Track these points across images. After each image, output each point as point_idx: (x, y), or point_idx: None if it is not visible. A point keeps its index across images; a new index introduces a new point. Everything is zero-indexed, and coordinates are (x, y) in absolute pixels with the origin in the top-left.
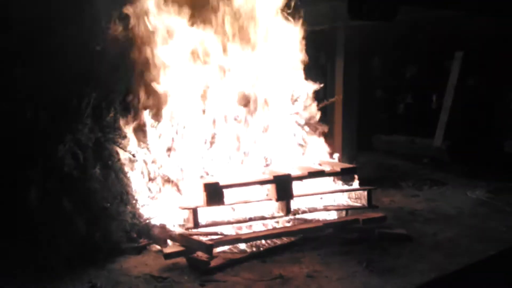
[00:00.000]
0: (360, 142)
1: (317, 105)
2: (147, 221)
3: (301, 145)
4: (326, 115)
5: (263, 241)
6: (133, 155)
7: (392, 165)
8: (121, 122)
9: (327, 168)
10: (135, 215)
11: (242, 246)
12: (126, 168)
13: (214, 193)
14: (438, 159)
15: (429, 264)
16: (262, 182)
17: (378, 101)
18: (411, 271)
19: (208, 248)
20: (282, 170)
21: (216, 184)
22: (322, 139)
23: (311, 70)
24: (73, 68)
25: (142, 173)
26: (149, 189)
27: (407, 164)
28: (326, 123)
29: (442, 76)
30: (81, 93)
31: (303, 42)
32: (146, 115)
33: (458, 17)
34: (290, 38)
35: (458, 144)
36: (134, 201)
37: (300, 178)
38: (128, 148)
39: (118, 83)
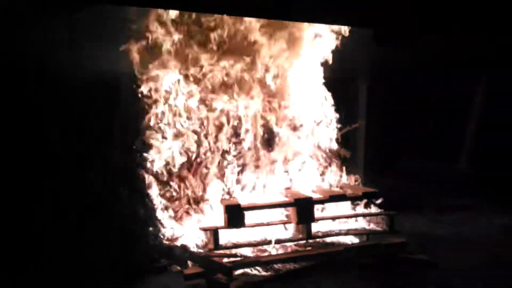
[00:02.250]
0: (384, 165)
1: (341, 130)
2: (169, 242)
3: (324, 169)
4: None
5: (283, 265)
6: (158, 178)
7: (416, 188)
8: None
9: (348, 192)
10: (158, 236)
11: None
12: (151, 191)
13: (234, 215)
14: (464, 184)
15: None
16: (283, 205)
17: (404, 125)
18: None
19: (228, 270)
20: (303, 193)
21: (237, 205)
22: (344, 164)
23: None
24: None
25: (165, 195)
26: (173, 211)
27: (432, 188)
28: (350, 147)
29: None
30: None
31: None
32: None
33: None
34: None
35: (484, 169)
36: (157, 223)
37: (321, 201)
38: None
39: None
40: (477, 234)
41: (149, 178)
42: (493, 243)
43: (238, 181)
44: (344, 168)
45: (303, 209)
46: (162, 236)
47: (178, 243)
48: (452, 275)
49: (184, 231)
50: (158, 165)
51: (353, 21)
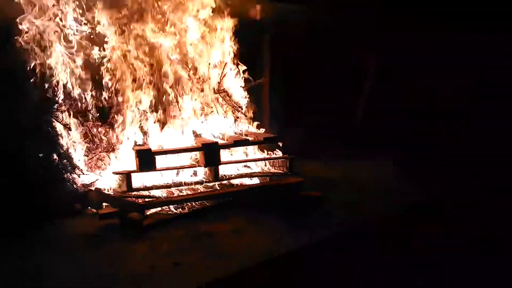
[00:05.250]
0: (289, 118)
1: (247, 86)
2: (84, 187)
3: (234, 121)
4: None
5: (194, 204)
6: (68, 126)
7: (316, 140)
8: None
9: (250, 138)
10: (73, 182)
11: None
12: (65, 140)
13: (146, 159)
14: (357, 135)
15: (335, 220)
16: (191, 150)
17: (307, 82)
18: (320, 226)
19: (140, 208)
20: (209, 139)
21: (148, 150)
22: (252, 117)
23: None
24: None
25: (80, 143)
26: (88, 158)
27: (329, 140)
28: (258, 103)
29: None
30: None
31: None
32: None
33: None
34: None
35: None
36: (72, 170)
37: (226, 146)
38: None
39: None
40: (362, 177)
41: (61, 129)
42: (375, 182)
43: (152, 131)
44: (251, 120)
45: (209, 153)
46: (77, 182)
47: (93, 188)
48: (338, 208)
49: (99, 177)
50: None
51: None
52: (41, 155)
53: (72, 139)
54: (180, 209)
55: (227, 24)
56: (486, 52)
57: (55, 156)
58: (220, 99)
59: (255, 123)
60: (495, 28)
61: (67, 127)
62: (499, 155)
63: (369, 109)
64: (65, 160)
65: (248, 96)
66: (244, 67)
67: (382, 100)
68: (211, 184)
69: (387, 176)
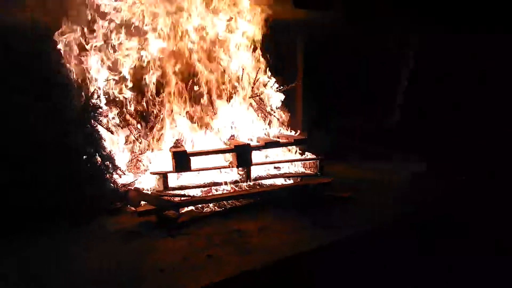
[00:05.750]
0: (321, 123)
1: (281, 89)
2: (124, 186)
3: (268, 123)
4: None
5: (226, 202)
6: (110, 129)
7: (347, 143)
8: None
9: (282, 140)
10: (114, 182)
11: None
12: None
13: (182, 160)
14: (388, 137)
15: (362, 220)
16: (225, 151)
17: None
18: (346, 225)
19: (176, 206)
20: (242, 141)
21: (184, 152)
22: (285, 119)
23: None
24: None
25: (121, 145)
26: (129, 160)
27: (360, 142)
28: (291, 105)
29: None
30: None
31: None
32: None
33: None
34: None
35: (406, 125)
36: (113, 170)
37: (258, 148)
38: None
39: None
40: (392, 178)
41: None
42: (403, 185)
43: (187, 133)
44: (284, 123)
45: (242, 154)
46: (118, 182)
47: (132, 187)
48: (365, 208)
49: (138, 177)
50: (112, 117)
51: None
52: (85, 157)
53: (114, 141)
54: (213, 208)
55: (261, 28)
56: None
57: (98, 157)
58: (254, 103)
59: (288, 126)
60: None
61: (109, 130)
62: None
63: (405, 110)
64: (107, 162)
65: (281, 99)
66: (278, 71)
67: (417, 101)
68: (243, 184)
69: (415, 177)
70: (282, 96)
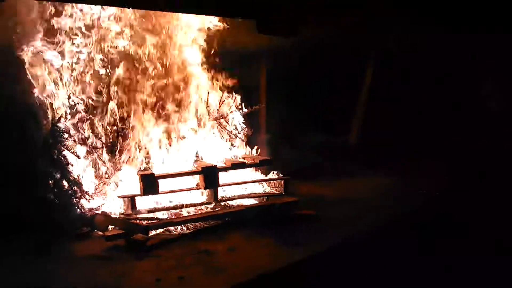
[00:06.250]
0: (287, 140)
1: (245, 112)
2: (91, 210)
3: (231, 144)
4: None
5: (194, 224)
6: (76, 154)
7: (313, 160)
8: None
9: (248, 161)
10: (80, 206)
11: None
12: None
13: (149, 183)
14: (353, 153)
15: (327, 237)
16: (192, 173)
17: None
18: (312, 243)
19: (144, 229)
20: (209, 163)
21: (151, 175)
22: (250, 141)
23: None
24: None
25: (88, 170)
26: (96, 184)
27: (326, 159)
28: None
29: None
30: None
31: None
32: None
33: None
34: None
35: (369, 140)
36: (80, 195)
37: (225, 169)
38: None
39: None
40: (359, 193)
41: (69, 155)
42: (370, 199)
43: (154, 156)
44: (248, 144)
45: (209, 176)
46: (85, 207)
47: (100, 212)
48: (331, 224)
49: (105, 201)
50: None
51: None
52: (51, 182)
53: (80, 165)
54: (181, 230)
55: (226, 54)
56: None
57: (64, 182)
58: (220, 125)
59: (254, 147)
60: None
61: (75, 154)
62: None
63: (364, 126)
64: (74, 186)
65: (245, 121)
66: (242, 94)
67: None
68: (211, 205)
69: (379, 191)
70: (246, 117)
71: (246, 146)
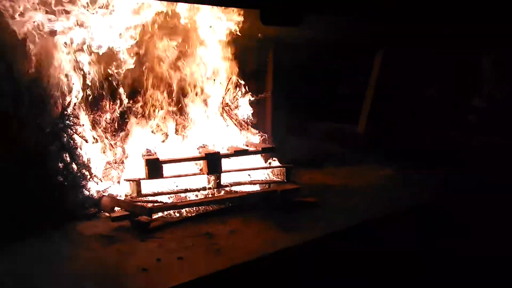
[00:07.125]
0: (296, 129)
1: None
2: (99, 192)
3: (237, 131)
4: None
5: (197, 208)
6: (85, 138)
7: (319, 148)
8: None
9: (251, 148)
10: (88, 189)
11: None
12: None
13: (154, 168)
14: (360, 142)
15: (327, 224)
16: (196, 159)
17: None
18: (311, 229)
19: (148, 211)
20: (212, 149)
21: (156, 159)
22: (256, 128)
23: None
24: None
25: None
26: (103, 167)
27: (334, 148)
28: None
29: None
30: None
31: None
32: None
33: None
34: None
35: (377, 130)
36: (87, 177)
37: (227, 155)
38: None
39: None
40: (362, 183)
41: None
42: (373, 189)
43: (159, 142)
44: (254, 131)
45: (212, 162)
46: (93, 189)
47: (107, 194)
48: (332, 212)
49: (112, 184)
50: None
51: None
52: (61, 165)
53: (89, 149)
54: (185, 213)
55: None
56: None
57: (74, 165)
58: (226, 112)
59: (258, 134)
60: None
61: (84, 138)
62: None
63: (373, 115)
64: (83, 169)
65: (252, 109)
66: (251, 79)
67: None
68: (213, 190)
69: (385, 181)
70: (254, 105)
71: (251, 134)
